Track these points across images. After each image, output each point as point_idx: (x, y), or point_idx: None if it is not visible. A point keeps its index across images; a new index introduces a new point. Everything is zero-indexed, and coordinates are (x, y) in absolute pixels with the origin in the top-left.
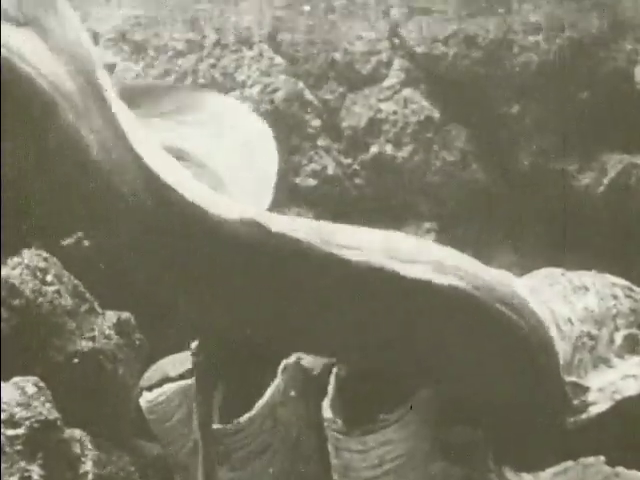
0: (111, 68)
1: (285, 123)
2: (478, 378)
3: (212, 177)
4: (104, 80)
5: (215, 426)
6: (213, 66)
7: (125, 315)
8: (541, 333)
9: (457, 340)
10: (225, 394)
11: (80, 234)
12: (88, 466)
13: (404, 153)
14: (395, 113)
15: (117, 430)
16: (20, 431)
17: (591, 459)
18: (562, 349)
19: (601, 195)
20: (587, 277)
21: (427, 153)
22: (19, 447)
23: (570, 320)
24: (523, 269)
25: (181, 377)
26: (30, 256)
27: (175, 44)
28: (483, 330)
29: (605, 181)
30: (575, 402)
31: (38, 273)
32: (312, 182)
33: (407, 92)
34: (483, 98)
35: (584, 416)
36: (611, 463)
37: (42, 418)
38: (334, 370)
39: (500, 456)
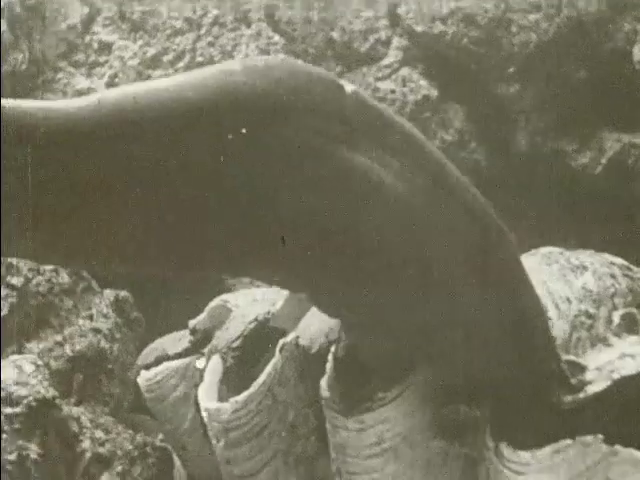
0: (109, 47)
1: None
2: (476, 356)
3: None
4: None
5: (213, 404)
6: (211, 44)
7: (123, 294)
8: (537, 311)
9: (457, 316)
10: (223, 372)
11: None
12: (86, 444)
13: None
14: (393, 92)
15: (115, 408)
16: (18, 409)
17: (589, 438)
18: (560, 328)
19: (599, 175)
20: (585, 256)
21: (425, 132)
22: (17, 425)
23: (568, 299)
24: (521, 248)
25: (179, 356)
26: None
27: (173, 22)
28: (486, 298)
29: (603, 161)
30: (573, 381)
31: None
32: None
33: (405, 71)
34: (481, 77)
35: (582, 395)
36: (609, 441)
37: (40, 396)
38: (332, 349)
39: (498, 434)
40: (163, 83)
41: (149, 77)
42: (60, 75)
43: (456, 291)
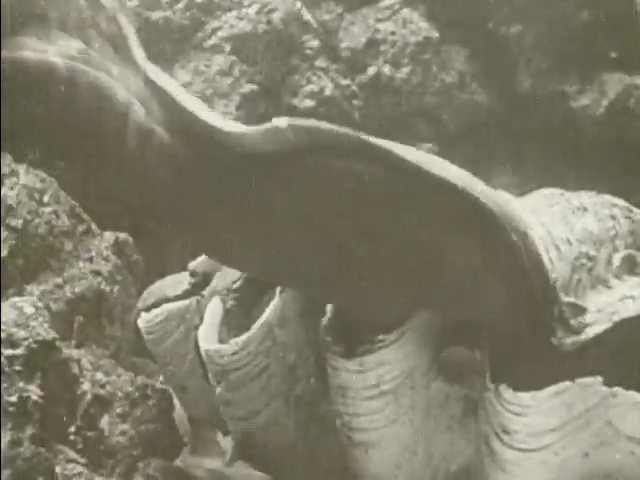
0: None
1: (283, 44)
2: (475, 298)
3: None
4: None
5: (213, 346)
6: None
7: (123, 236)
8: (535, 256)
9: (456, 257)
10: (223, 314)
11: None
12: (86, 386)
13: (402, 74)
14: (393, 34)
15: (115, 351)
16: (18, 351)
17: (589, 379)
18: (560, 270)
19: (601, 116)
20: (586, 198)
21: (426, 74)
22: (18, 367)
23: (569, 240)
24: (522, 190)
25: (179, 298)
26: (27, 177)
27: None
28: (482, 245)
29: (604, 102)
30: (573, 323)
31: (35, 194)
32: (310, 103)
33: (405, 12)
34: (482, 18)
35: (582, 337)
36: (609, 384)
37: (40, 338)
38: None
39: (498, 376)
40: None
41: (147, 19)
42: None
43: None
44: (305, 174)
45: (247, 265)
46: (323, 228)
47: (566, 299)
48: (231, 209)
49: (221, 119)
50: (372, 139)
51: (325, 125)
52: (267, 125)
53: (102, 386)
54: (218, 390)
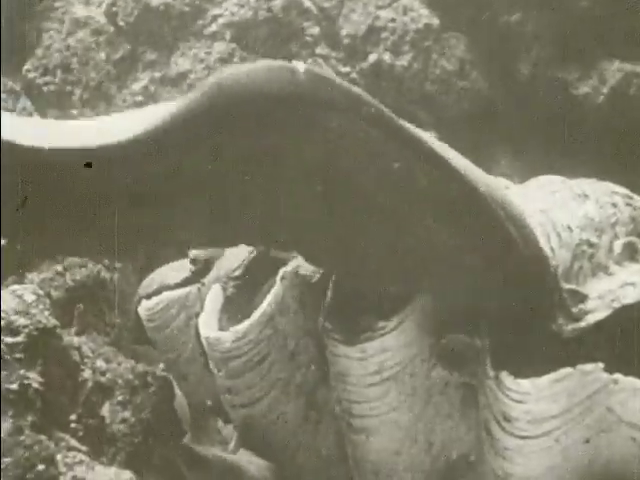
0: None
1: (283, 31)
2: (475, 285)
3: None
4: None
5: (213, 334)
6: None
7: None
8: (531, 243)
9: (454, 243)
10: (224, 301)
11: None
12: (87, 374)
13: (403, 61)
14: (394, 21)
15: (116, 338)
16: (19, 339)
17: (589, 366)
18: (561, 256)
19: (601, 104)
20: (587, 185)
21: (426, 61)
22: (18, 355)
23: (569, 227)
24: (523, 177)
25: (179, 285)
26: None
27: None
28: (480, 233)
29: (605, 90)
30: (574, 309)
31: None
32: None
33: None
34: (483, 6)
35: (583, 323)
36: (610, 370)
37: (41, 326)
38: (332, 278)
39: (499, 363)
40: None
41: (147, 5)
42: (58, 3)
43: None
44: (311, 125)
45: (251, 232)
46: (325, 181)
47: (567, 286)
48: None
49: None
50: (387, 111)
51: (340, 83)
52: (283, 64)
53: (103, 374)
54: (219, 378)
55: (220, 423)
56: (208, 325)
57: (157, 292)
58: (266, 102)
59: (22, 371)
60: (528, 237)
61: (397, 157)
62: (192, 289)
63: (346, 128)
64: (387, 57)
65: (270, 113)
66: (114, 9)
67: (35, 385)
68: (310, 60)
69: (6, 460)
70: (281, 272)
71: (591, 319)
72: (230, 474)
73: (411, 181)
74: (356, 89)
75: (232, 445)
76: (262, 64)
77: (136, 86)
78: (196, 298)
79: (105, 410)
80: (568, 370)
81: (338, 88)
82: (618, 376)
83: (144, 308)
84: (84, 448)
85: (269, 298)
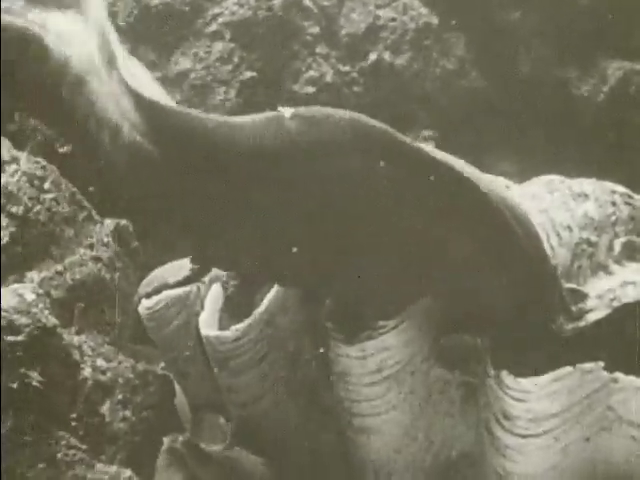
0: None
1: (283, 30)
2: (476, 284)
3: None
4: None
5: (214, 332)
6: None
7: (123, 222)
8: (535, 242)
9: (455, 243)
10: (224, 300)
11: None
12: (87, 372)
13: (403, 60)
14: (394, 20)
15: (116, 337)
16: (19, 338)
17: (589, 365)
18: (561, 256)
19: (601, 103)
20: (587, 184)
21: (426, 60)
22: (19, 354)
23: (569, 227)
24: (523, 176)
25: (180, 284)
26: (28, 163)
27: None
28: (482, 231)
29: (605, 89)
30: (573, 309)
31: (36, 180)
32: (310, 89)
33: None
34: (482, 5)
35: (582, 322)
36: (610, 369)
37: (41, 325)
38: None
39: (499, 362)
40: None
41: (147, 5)
42: None
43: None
44: (307, 175)
45: (247, 266)
46: (325, 221)
47: (567, 285)
48: (225, 207)
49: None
50: (376, 128)
51: (327, 115)
52: (269, 114)
53: (103, 372)
54: (219, 376)
55: (220, 421)
56: (208, 324)
57: (157, 291)
58: (260, 160)
59: (22, 370)
60: (532, 236)
61: (400, 176)
62: (192, 288)
63: (345, 165)
64: (387, 56)
65: (266, 169)
66: (114, 8)
67: (35, 384)
68: (310, 59)
69: (7, 459)
70: None
71: (591, 318)
72: (232, 470)
73: (416, 193)
74: (349, 117)
75: (227, 442)
76: (248, 119)
77: None
78: (196, 297)
79: (105, 409)
80: (568, 369)
81: (329, 126)
82: (618, 375)
83: (144, 307)
84: (84, 447)
85: (270, 297)
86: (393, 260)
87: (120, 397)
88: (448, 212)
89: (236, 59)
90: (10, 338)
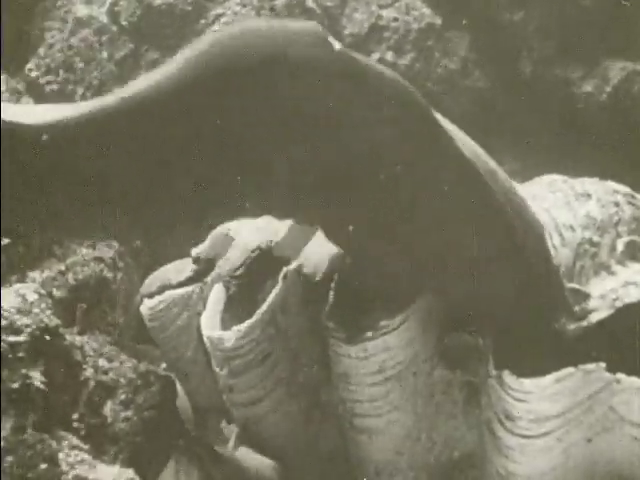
0: None
1: None
2: (477, 283)
3: None
4: None
5: (215, 333)
6: None
7: None
8: (538, 239)
9: (457, 242)
10: (226, 301)
11: None
12: (89, 373)
13: (405, 60)
14: (396, 20)
15: (118, 338)
16: (21, 338)
17: (591, 366)
18: (564, 256)
19: (604, 103)
20: (589, 184)
21: (428, 60)
22: (20, 354)
23: (572, 227)
24: (525, 176)
25: (182, 284)
26: None
27: None
28: (484, 228)
29: (608, 89)
30: (576, 309)
31: None
32: None
33: None
34: (485, 5)
35: (585, 323)
36: (612, 370)
37: (43, 325)
38: (335, 277)
39: (501, 362)
40: None
41: (150, 5)
42: (61, 3)
43: (452, 228)
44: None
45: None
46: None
47: (569, 285)
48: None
49: None
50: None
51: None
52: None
53: (105, 373)
54: (221, 376)
55: (223, 422)
56: (210, 324)
57: (159, 291)
58: (293, 66)
59: (24, 370)
60: (536, 236)
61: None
62: (194, 288)
63: (376, 113)
64: (389, 56)
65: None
66: (116, 8)
67: (37, 384)
68: None
69: (8, 459)
70: (283, 271)
71: (593, 318)
72: (237, 470)
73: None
74: (390, 73)
75: (231, 443)
76: (294, 25)
77: None
78: (198, 297)
79: (107, 409)
80: (570, 369)
81: (370, 69)
82: (620, 375)
83: (146, 307)
84: (86, 447)
85: (271, 297)
86: (398, 255)
87: (122, 397)
88: (454, 212)
89: None
90: (12, 338)
